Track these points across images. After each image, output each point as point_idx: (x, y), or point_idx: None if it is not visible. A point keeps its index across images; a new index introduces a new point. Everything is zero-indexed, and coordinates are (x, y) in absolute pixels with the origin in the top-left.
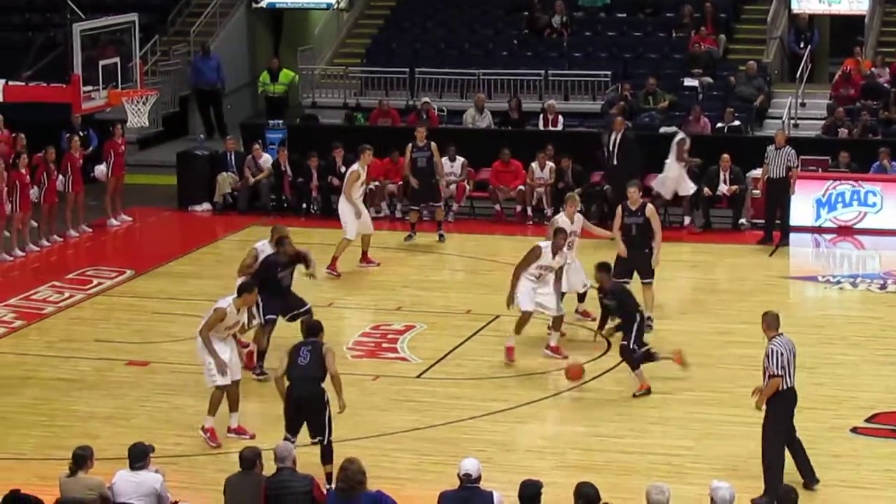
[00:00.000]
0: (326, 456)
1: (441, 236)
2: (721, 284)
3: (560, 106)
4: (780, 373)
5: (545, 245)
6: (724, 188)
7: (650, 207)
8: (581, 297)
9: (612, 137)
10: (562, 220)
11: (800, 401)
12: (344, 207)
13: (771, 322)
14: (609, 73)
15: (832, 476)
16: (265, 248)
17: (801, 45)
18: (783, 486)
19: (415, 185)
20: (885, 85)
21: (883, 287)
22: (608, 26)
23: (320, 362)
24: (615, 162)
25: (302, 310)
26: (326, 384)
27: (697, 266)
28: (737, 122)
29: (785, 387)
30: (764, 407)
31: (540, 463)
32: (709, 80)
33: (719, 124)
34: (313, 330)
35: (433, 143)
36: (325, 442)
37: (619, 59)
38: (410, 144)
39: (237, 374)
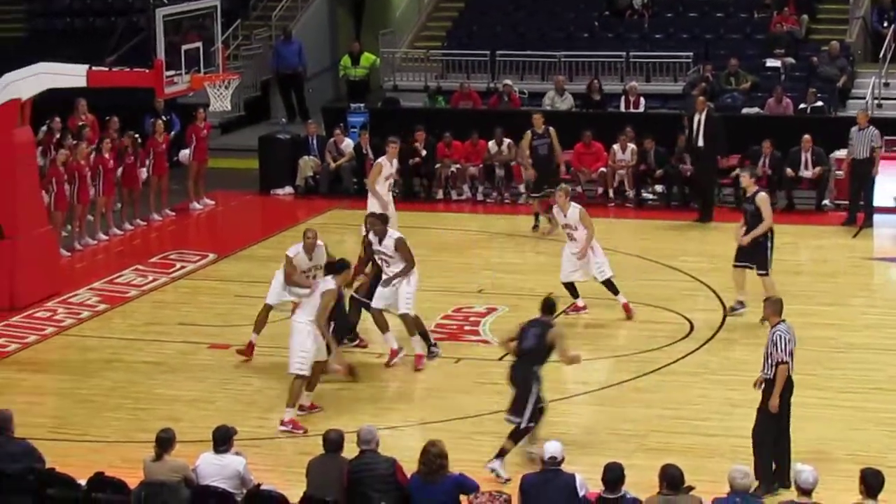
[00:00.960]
0: (513, 435)
1: (536, 227)
2: (804, 266)
3: (641, 87)
4: (787, 359)
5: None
6: (807, 171)
7: (762, 195)
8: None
9: (696, 118)
10: (555, 209)
11: (887, 382)
12: (370, 201)
13: (776, 308)
14: (690, 54)
15: None
16: (298, 250)
17: (885, 24)
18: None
19: (531, 178)
20: None
21: None
22: (689, 7)
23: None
24: (700, 143)
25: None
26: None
27: (780, 248)
28: (819, 103)
29: (790, 373)
30: (761, 389)
31: (622, 445)
32: (791, 60)
33: (801, 105)
34: (549, 308)
35: (552, 129)
36: (522, 427)
37: (700, 39)
38: (529, 132)
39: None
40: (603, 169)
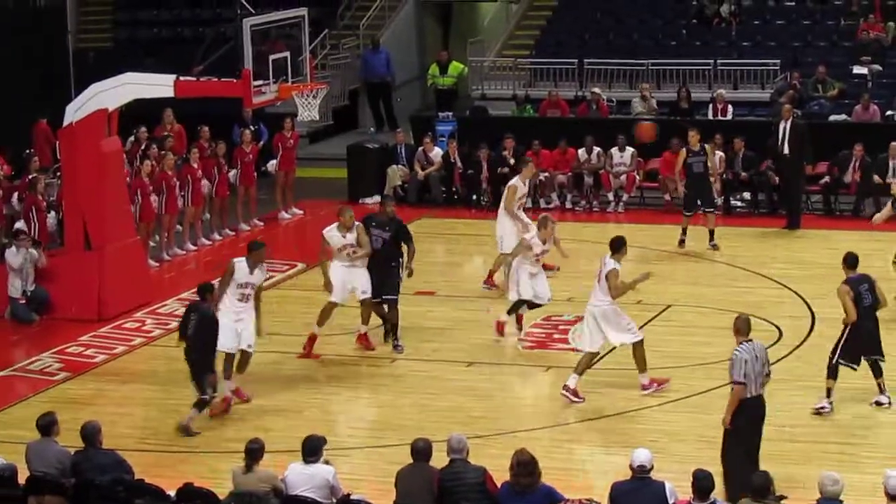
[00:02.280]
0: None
1: (714, 245)
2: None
3: (729, 95)
4: (741, 381)
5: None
6: (894, 179)
7: None
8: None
9: (782, 126)
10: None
11: None
12: (504, 221)
13: (740, 327)
14: (778, 61)
15: None
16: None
17: None
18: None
19: (680, 195)
20: None
21: None
22: (776, 15)
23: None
24: (786, 151)
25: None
26: None
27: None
28: None
29: (748, 395)
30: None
31: (711, 453)
32: (878, 67)
33: (889, 112)
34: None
35: (707, 146)
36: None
37: (787, 47)
38: (684, 149)
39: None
40: None
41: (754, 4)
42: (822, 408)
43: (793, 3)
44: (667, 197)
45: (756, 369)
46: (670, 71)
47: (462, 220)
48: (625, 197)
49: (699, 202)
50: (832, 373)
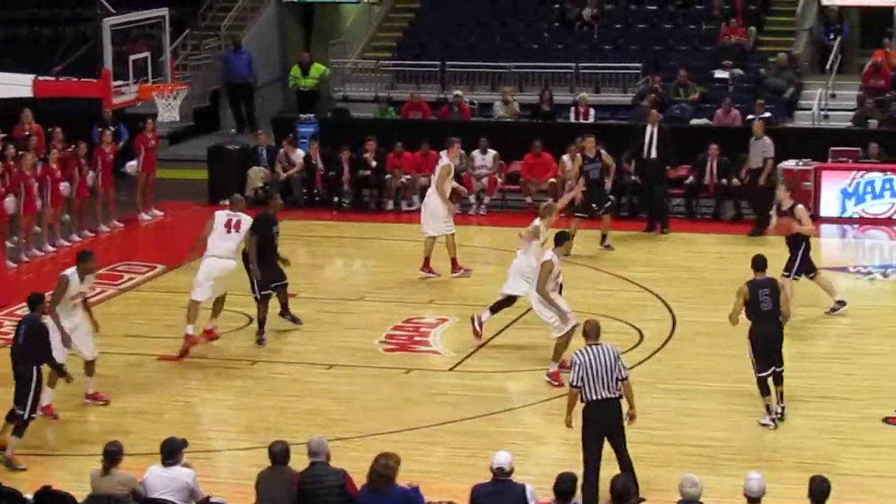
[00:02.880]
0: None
1: (608, 246)
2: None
3: (591, 98)
4: (577, 384)
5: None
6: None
7: (800, 207)
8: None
9: (648, 130)
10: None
11: (833, 391)
12: (434, 202)
13: (588, 330)
14: (640, 65)
15: (864, 466)
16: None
17: (831, 36)
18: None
19: (578, 199)
20: None
21: None
22: (639, 18)
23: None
24: (652, 155)
25: (282, 283)
26: None
27: (725, 258)
28: (767, 114)
29: (588, 399)
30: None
31: (574, 456)
32: (739, 71)
33: (749, 116)
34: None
35: (602, 151)
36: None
37: (649, 51)
38: (580, 156)
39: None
40: (552, 179)
41: (616, 8)
42: (766, 424)
43: (654, 7)
44: (528, 199)
45: (599, 373)
46: (532, 74)
47: (323, 221)
48: (486, 199)
49: (594, 206)
50: (762, 389)
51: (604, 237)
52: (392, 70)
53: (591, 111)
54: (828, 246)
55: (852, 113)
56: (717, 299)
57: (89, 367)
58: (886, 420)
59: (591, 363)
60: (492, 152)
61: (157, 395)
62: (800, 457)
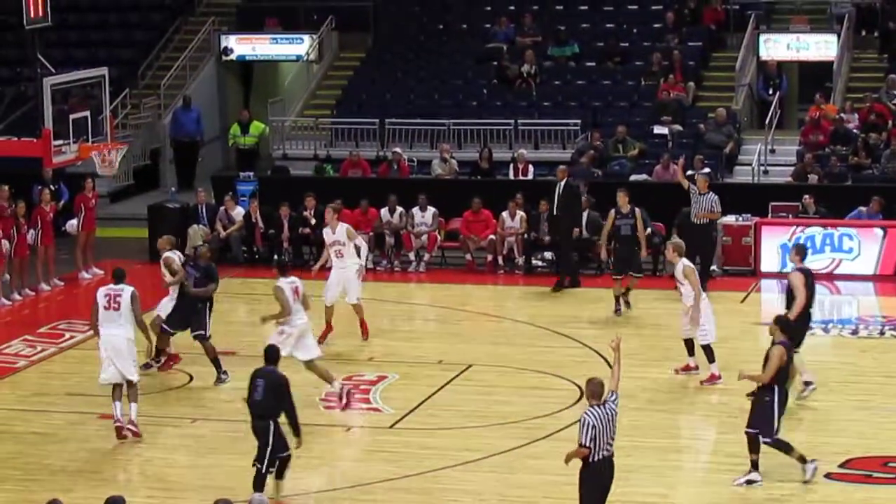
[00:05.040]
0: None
1: (628, 304)
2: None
3: (530, 155)
4: (588, 445)
5: None
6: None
7: (797, 274)
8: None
9: (557, 186)
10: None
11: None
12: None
13: (593, 390)
14: (579, 121)
15: None
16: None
17: (770, 91)
18: None
19: (604, 257)
20: (854, 130)
21: (855, 333)
22: (577, 75)
23: None
24: (557, 212)
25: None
26: None
27: (672, 313)
28: (707, 170)
29: (595, 459)
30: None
31: None
32: (678, 127)
33: (689, 172)
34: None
35: (637, 209)
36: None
37: (588, 107)
38: (613, 210)
39: None
40: (492, 236)
41: (555, 65)
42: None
43: (593, 64)
44: (467, 257)
45: (605, 433)
46: (471, 131)
47: (263, 279)
48: (426, 257)
49: (630, 270)
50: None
51: (617, 300)
52: (330, 128)
53: (531, 168)
54: (768, 301)
55: (792, 168)
56: (657, 355)
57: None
58: (829, 475)
59: (601, 425)
60: (431, 209)
61: (99, 453)
62: None
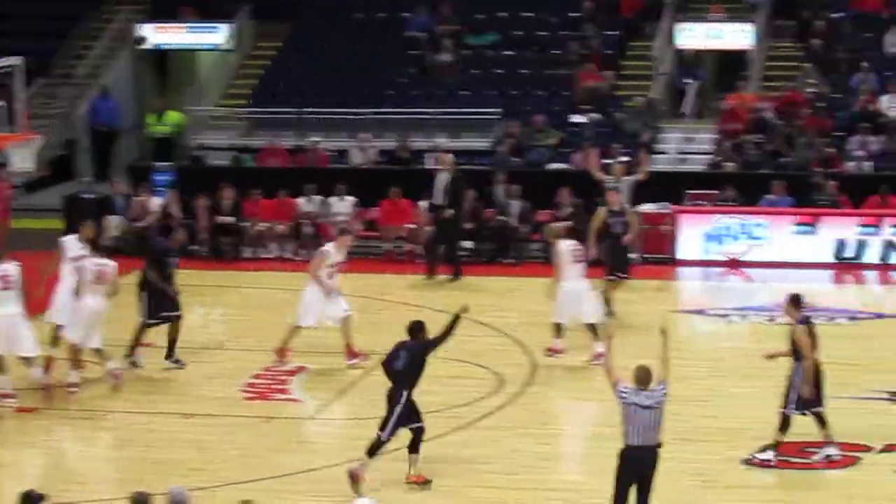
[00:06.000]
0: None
1: (610, 313)
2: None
3: (449, 144)
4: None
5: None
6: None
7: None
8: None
9: (443, 178)
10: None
11: (694, 433)
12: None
13: (636, 375)
14: (498, 110)
15: None
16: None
17: (688, 80)
18: None
19: (591, 256)
20: (771, 119)
21: (771, 319)
22: (496, 64)
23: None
24: (443, 201)
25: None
26: None
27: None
28: (625, 158)
29: (628, 444)
30: None
31: (438, 501)
32: (597, 116)
33: (606, 160)
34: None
35: (626, 206)
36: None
37: (507, 96)
38: (605, 208)
39: None
40: (411, 225)
41: (474, 54)
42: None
43: (512, 53)
44: (386, 246)
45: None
46: (390, 120)
47: (180, 270)
48: None
49: (618, 272)
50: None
51: (609, 303)
52: (248, 117)
53: (450, 157)
54: (686, 289)
55: (709, 156)
56: (576, 343)
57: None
58: (747, 461)
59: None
60: (349, 199)
61: (15, 447)
62: (662, 499)
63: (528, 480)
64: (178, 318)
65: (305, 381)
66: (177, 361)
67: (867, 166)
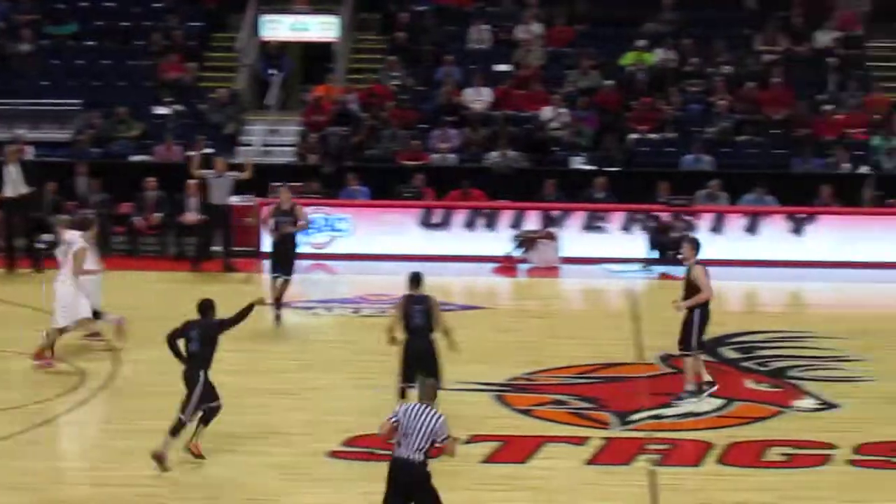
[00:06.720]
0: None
1: (279, 317)
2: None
3: (30, 135)
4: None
5: None
6: (192, 216)
7: (699, 268)
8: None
9: (12, 170)
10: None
11: (277, 427)
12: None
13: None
14: (80, 101)
15: (310, 501)
16: None
17: (272, 72)
18: None
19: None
20: (356, 111)
21: (356, 311)
22: (77, 54)
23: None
24: (8, 194)
25: None
26: None
27: (174, 293)
28: (209, 150)
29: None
30: None
31: (23, 499)
32: (180, 107)
33: (189, 152)
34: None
35: (298, 207)
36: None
37: (88, 87)
38: (274, 206)
39: None
40: None
41: (54, 43)
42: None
43: (94, 43)
44: None
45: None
46: None
47: None
48: None
49: (282, 267)
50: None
51: (277, 303)
52: None
53: (31, 149)
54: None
55: (294, 148)
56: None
57: None
58: (333, 454)
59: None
60: None
61: None
62: (245, 493)
63: (118, 477)
64: None
65: None
66: None
67: (451, 158)
